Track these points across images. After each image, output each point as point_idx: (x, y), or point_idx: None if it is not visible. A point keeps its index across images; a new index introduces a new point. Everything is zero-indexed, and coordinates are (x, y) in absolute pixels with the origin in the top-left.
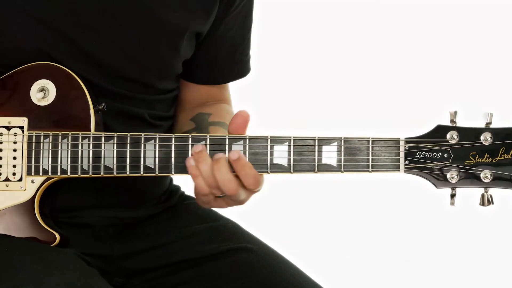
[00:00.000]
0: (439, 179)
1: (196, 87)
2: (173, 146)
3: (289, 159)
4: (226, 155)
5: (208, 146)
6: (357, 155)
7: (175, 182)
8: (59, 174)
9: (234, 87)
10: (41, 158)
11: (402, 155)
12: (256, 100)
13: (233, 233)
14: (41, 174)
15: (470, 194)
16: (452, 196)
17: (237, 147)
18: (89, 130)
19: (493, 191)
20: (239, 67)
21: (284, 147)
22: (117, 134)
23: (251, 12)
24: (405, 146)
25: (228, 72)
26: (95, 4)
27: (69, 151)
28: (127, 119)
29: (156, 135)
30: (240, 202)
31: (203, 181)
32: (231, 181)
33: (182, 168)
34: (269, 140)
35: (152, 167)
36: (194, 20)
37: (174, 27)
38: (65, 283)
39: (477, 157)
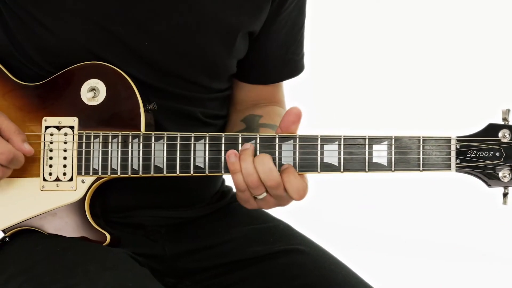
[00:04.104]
0: (491, 178)
1: (249, 87)
2: (223, 145)
3: (339, 158)
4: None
5: (258, 145)
6: (408, 154)
7: (227, 183)
8: (109, 174)
9: (285, 86)
10: (91, 158)
11: (453, 154)
12: (307, 99)
13: (284, 234)
14: (91, 174)
15: None
16: (505, 195)
17: (287, 147)
18: (139, 130)
19: None
20: (290, 66)
21: (335, 146)
22: (167, 134)
23: (304, 11)
24: (456, 145)
25: (279, 71)
26: (145, 3)
27: (119, 151)
28: (180, 118)
29: (206, 134)
30: (282, 202)
31: (242, 178)
32: (272, 171)
33: None
34: (319, 139)
35: (202, 166)
36: (246, 20)
37: (227, 26)
38: (118, 284)
39: None
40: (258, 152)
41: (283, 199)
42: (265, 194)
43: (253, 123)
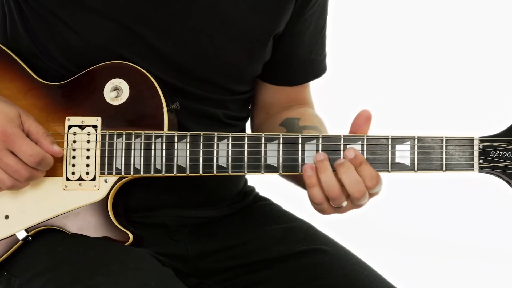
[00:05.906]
0: None
1: (277, 89)
2: (246, 145)
3: None
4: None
5: (281, 145)
6: (431, 154)
7: (249, 183)
8: (132, 173)
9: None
10: (114, 158)
11: (476, 154)
12: (330, 99)
13: (307, 234)
14: (114, 173)
15: None
16: None
17: (310, 146)
18: (162, 129)
19: None
20: (314, 67)
21: (358, 146)
22: (190, 134)
23: (326, 12)
24: (479, 145)
25: (304, 72)
26: (167, 4)
27: (142, 151)
28: (202, 119)
29: (229, 134)
30: (359, 206)
31: (320, 191)
32: (359, 183)
33: (254, 168)
34: (342, 139)
35: (225, 166)
36: (268, 22)
37: (248, 30)
38: (141, 284)
39: None
40: (281, 151)
41: (361, 204)
42: (346, 203)
43: (294, 126)
